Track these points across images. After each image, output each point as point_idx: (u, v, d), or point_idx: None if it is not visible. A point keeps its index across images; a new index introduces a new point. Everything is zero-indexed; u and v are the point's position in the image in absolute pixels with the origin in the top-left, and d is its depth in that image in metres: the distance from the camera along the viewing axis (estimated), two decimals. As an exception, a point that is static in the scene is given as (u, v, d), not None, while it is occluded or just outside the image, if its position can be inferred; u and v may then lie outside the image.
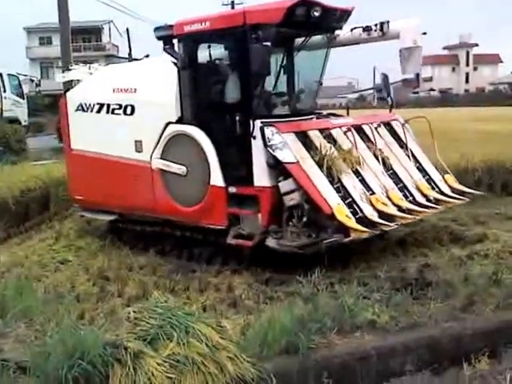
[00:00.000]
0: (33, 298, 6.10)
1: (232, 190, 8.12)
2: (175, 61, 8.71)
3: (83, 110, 9.87)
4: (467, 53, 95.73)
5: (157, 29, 8.94)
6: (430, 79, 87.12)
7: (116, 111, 9.37)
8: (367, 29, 8.99)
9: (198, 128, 8.35)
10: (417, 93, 59.27)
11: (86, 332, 4.67)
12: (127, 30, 61.12)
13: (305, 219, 7.43)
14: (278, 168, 7.66)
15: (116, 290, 7.27)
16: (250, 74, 7.78)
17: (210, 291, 7.31)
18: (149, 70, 9.57)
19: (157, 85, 9.01)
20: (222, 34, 8.29)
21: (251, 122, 7.79)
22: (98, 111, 9.63)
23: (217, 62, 8.90)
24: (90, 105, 9.75)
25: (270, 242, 7.63)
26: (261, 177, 7.81)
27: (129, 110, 9.19)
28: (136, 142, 9.08)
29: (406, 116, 9.53)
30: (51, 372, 4.35)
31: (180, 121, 8.59)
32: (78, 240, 9.99)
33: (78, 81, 10.40)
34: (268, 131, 7.68)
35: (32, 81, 39.75)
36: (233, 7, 59.09)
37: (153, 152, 8.86)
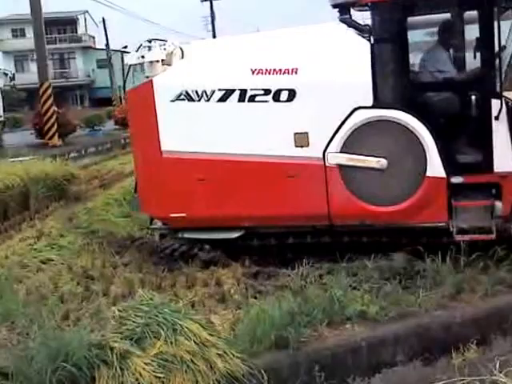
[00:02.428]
0: (14, 300, 6.09)
1: (457, 179, 7.19)
2: (358, 32, 7.54)
3: (189, 100, 7.74)
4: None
5: None
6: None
7: (258, 98, 7.53)
8: None
9: (403, 112, 7.24)
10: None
11: (71, 333, 4.68)
12: (103, 20, 61.00)
13: None
14: None
15: (101, 289, 7.21)
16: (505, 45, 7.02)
17: (197, 287, 7.28)
18: (312, 44, 7.74)
19: (334, 63, 7.46)
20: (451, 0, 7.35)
21: (495, 101, 6.95)
22: (222, 99, 7.64)
23: (436, 32, 7.84)
24: (204, 92, 7.67)
25: None
26: (504, 161, 7.03)
27: (284, 96, 7.46)
28: (297, 134, 7.49)
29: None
30: (34, 376, 4.33)
31: (375, 105, 7.36)
32: (61, 239, 9.77)
33: (151, 63, 8.09)
34: None
35: (6, 74, 39.48)
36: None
37: (327, 145, 7.45)
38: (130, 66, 8.52)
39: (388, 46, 7.37)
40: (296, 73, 7.45)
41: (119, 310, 5.07)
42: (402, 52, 7.36)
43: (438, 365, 5.22)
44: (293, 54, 7.71)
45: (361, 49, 7.37)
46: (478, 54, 7.29)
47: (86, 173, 15.90)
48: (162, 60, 8.02)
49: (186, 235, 8.31)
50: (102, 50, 63.97)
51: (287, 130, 7.51)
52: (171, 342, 4.61)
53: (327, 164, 7.42)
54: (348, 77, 7.31)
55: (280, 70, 7.48)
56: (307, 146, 7.48)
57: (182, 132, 7.86)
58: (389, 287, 6.17)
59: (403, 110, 7.22)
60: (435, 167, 7.17)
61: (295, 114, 7.47)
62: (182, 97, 7.74)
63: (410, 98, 7.35)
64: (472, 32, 7.52)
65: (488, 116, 6.99)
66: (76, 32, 74.48)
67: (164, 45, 8.15)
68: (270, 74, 7.52)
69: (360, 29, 7.51)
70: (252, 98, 7.55)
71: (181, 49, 8.20)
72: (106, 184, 14.82)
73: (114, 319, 4.99)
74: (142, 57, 8.12)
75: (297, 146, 7.51)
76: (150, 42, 8.26)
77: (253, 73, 7.57)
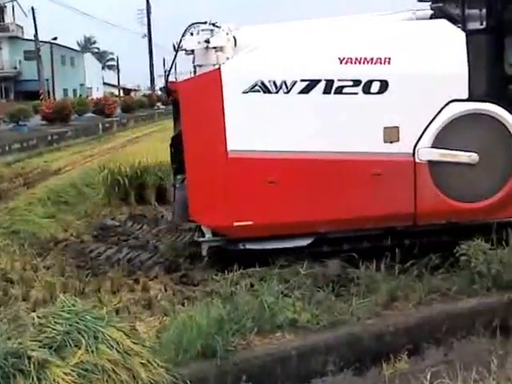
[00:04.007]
0: None
1: None
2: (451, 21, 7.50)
3: (266, 91, 7.16)
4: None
5: None
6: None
7: (346, 90, 7.18)
8: None
9: (497, 105, 7.32)
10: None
11: (-15, 341, 4.55)
12: (32, 9, 59.79)
13: None
14: None
15: (20, 294, 7.05)
16: None
17: (123, 292, 7.21)
18: (405, 33, 7.61)
19: (428, 53, 7.35)
20: None
21: None
22: (305, 91, 7.16)
23: None
24: (283, 83, 7.13)
25: None
26: None
27: (375, 88, 7.19)
28: (387, 129, 7.25)
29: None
30: None
31: (470, 98, 7.34)
32: (-23, 240, 9.54)
33: (206, 49, 7.38)
34: None
35: None
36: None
37: (418, 140, 7.33)
38: (178, 51, 7.69)
39: (483, 37, 7.41)
40: (389, 63, 7.23)
41: (39, 317, 4.95)
42: (497, 43, 7.44)
43: (368, 375, 5.28)
44: (385, 42, 7.48)
45: (456, 39, 7.35)
46: None
47: (9, 170, 15.63)
48: (215, 47, 7.44)
49: (249, 246, 7.49)
50: (31, 40, 62.61)
51: (376, 124, 7.29)
52: (92, 351, 4.52)
53: (417, 160, 7.32)
54: (444, 68, 7.29)
55: (372, 59, 7.20)
56: (397, 141, 7.31)
57: (254, 128, 7.24)
58: (321, 294, 6.20)
59: (497, 103, 7.30)
60: None
61: (386, 106, 7.27)
62: (257, 88, 7.16)
63: (503, 91, 7.47)
64: None
65: None
66: (3, 21, 72.80)
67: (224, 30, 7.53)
68: (360, 63, 7.20)
69: (453, 18, 7.52)
70: (339, 90, 7.19)
71: (233, 36, 7.65)
72: (29, 183, 14.57)
73: (32, 326, 4.88)
74: (207, 41, 7.38)
75: (385, 142, 7.30)
76: (213, 25, 7.56)
77: (341, 62, 7.20)
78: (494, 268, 6.37)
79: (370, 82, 7.18)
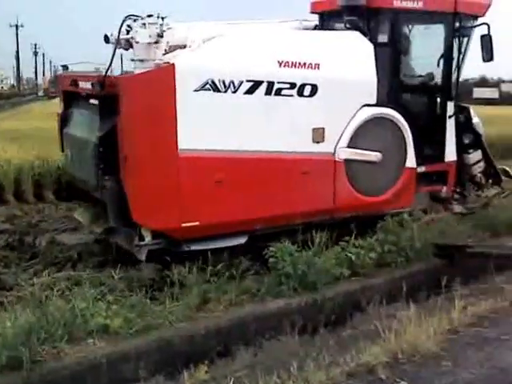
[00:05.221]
0: None
1: (421, 169, 8.91)
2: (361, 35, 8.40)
3: (215, 90, 7.06)
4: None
5: None
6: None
7: (284, 92, 7.51)
8: None
9: (395, 110, 8.47)
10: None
11: None
12: None
13: (490, 181, 9.93)
14: (469, 143, 9.72)
15: None
16: (456, 59, 9.15)
17: None
18: (330, 42, 8.24)
19: (347, 61, 8.14)
20: (431, 17, 9.04)
21: (450, 104, 9.14)
22: (250, 92, 7.27)
23: (419, 42, 9.25)
24: (231, 83, 7.13)
25: (458, 209, 9.48)
26: (451, 153, 9.29)
27: (307, 91, 7.65)
28: (315, 130, 7.82)
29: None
30: None
31: (378, 103, 8.33)
32: None
33: (149, 44, 6.96)
34: (472, 111, 9.76)
35: None
36: None
37: (338, 141, 8.06)
38: (117, 45, 7.08)
39: (386, 50, 8.49)
40: (318, 68, 7.75)
41: None
42: (395, 56, 8.67)
43: (181, 379, 5.26)
44: (315, 48, 8.00)
45: (367, 49, 8.28)
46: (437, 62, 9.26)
47: None
48: (156, 41, 7.04)
49: (194, 247, 7.23)
50: None
51: (307, 125, 7.83)
52: None
53: (336, 159, 8.08)
54: (359, 75, 8.17)
55: (305, 63, 7.67)
56: (322, 141, 7.95)
57: (205, 127, 7.08)
58: (135, 298, 6.16)
59: (394, 109, 8.44)
60: (411, 159, 8.67)
61: (315, 109, 7.80)
62: (208, 86, 7.03)
63: (397, 98, 8.71)
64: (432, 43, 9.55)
65: (445, 116, 9.12)
66: None
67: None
68: (295, 67, 7.61)
69: (362, 31, 8.40)
70: (278, 92, 7.52)
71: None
72: None
73: None
74: (160, 35, 6.98)
75: (314, 142, 7.90)
76: (162, 19, 7.05)
77: (280, 65, 7.52)
78: (299, 269, 6.74)
79: (303, 85, 7.68)
